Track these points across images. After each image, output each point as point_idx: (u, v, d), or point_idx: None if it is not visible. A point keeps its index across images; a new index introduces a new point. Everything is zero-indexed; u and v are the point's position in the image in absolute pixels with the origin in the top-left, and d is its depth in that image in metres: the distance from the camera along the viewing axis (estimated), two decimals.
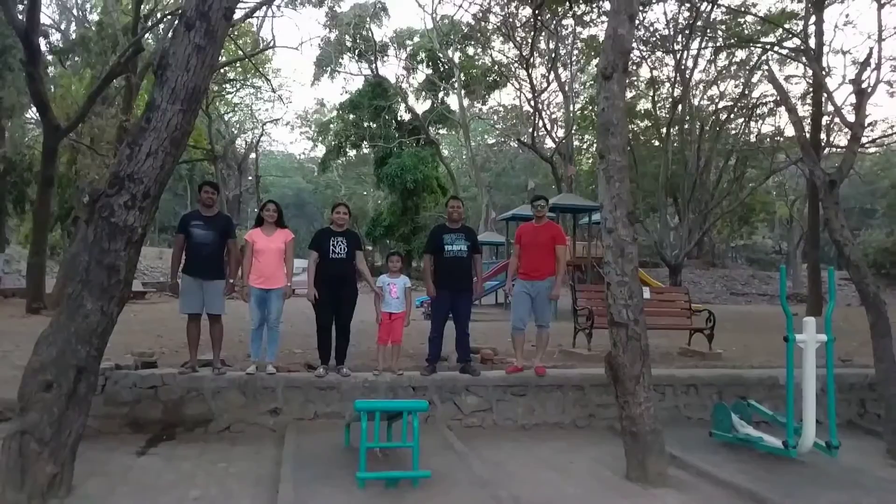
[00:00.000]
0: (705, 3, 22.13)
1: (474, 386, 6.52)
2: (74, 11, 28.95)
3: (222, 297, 6.29)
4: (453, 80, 36.23)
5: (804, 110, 23.56)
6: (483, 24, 28.40)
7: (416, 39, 38.79)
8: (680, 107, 24.90)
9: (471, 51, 36.21)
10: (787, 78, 25.76)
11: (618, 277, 4.99)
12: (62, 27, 28.42)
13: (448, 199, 7.15)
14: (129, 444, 5.51)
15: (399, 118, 39.14)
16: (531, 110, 30.80)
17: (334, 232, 6.52)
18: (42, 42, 19.02)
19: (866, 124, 20.26)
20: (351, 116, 38.65)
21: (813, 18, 20.58)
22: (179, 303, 6.26)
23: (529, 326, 6.82)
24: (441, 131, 43.19)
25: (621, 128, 5.13)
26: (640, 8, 21.18)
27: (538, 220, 6.83)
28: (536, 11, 18.46)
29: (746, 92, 26.73)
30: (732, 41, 24.10)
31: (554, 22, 25.10)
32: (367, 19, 36.28)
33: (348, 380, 6.26)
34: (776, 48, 23.23)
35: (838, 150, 22.54)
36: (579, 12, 21.96)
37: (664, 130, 25.66)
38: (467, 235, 6.72)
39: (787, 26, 22.07)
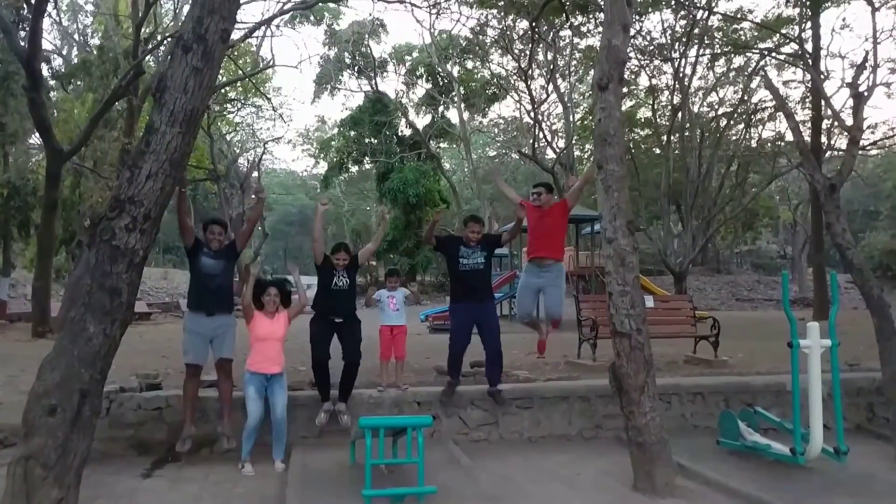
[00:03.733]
0: (701, 11, 22.23)
1: (480, 400, 6.50)
2: (76, 37, 29.22)
3: (233, 338, 5.74)
4: (453, 93, 36.45)
5: (803, 114, 23.60)
6: (481, 37, 28.56)
7: (415, 55, 39.05)
8: (680, 114, 24.95)
9: (469, 64, 36.41)
10: (785, 83, 25.85)
11: (619, 287, 4.99)
12: (64, 52, 28.67)
13: (466, 220, 6.56)
14: (134, 466, 5.51)
15: (400, 133, 39.33)
16: (531, 122, 30.86)
17: (337, 269, 6.22)
18: (44, 67, 19.17)
19: (866, 127, 20.30)
20: (352, 133, 38.85)
21: (809, 23, 20.67)
22: (183, 347, 5.60)
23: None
24: (442, 145, 43.36)
25: (618, 138, 5.14)
26: (637, 17, 21.31)
27: (541, 206, 6.42)
28: (534, 24, 18.56)
29: (745, 98, 26.74)
30: (729, 48, 24.18)
31: (551, 33, 25.23)
32: (366, 36, 36.55)
33: (352, 396, 6.22)
34: (773, 54, 23.29)
35: (839, 153, 22.52)
36: (576, 23, 22.06)
37: (665, 138, 25.70)
38: (484, 246, 6.34)
39: (783, 31, 22.15)
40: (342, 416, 6.03)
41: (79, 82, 22.78)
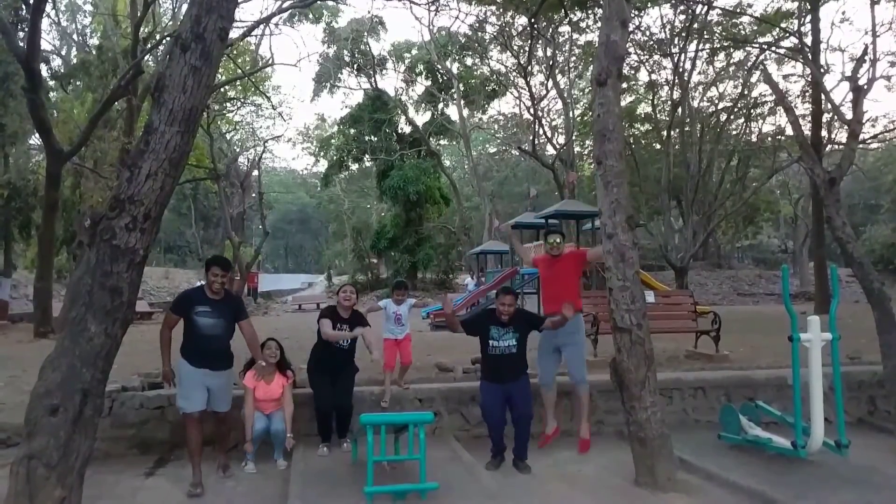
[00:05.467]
0: (700, 6, 22.20)
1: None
2: (74, 37, 29.24)
3: (231, 390, 5.31)
4: (452, 90, 36.38)
5: (803, 108, 23.58)
6: (480, 34, 28.54)
7: (414, 52, 38.98)
8: (679, 109, 24.96)
9: (469, 61, 36.39)
10: (785, 77, 25.83)
11: (619, 282, 4.99)
12: (63, 52, 28.70)
13: (498, 292, 5.65)
14: (136, 465, 5.52)
15: (400, 131, 39.25)
16: (531, 118, 30.93)
17: (342, 318, 5.94)
18: (43, 68, 19.22)
19: (866, 120, 20.26)
20: (352, 131, 38.77)
21: (808, 17, 20.63)
22: (178, 395, 5.09)
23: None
24: (442, 142, 43.28)
25: (617, 133, 5.14)
26: (636, 13, 21.27)
27: (555, 256, 6.12)
28: (533, 20, 18.53)
29: (745, 92, 26.76)
30: (729, 43, 24.16)
31: (550, 30, 25.21)
32: (365, 34, 36.48)
33: (353, 394, 6.22)
34: (773, 48, 23.27)
35: (839, 147, 22.48)
36: (575, 19, 22.05)
37: (665, 133, 25.70)
38: (517, 326, 5.50)
39: (783, 25, 22.12)
40: (344, 444, 5.95)
41: (78, 82, 22.82)
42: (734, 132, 29.11)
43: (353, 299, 5.99)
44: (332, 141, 41.63)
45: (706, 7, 22.25)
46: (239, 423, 5.54)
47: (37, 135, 18.09)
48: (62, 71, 23.76)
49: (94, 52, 22.76)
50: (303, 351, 7.11)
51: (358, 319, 5.99)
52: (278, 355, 5.69)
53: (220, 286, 5.10)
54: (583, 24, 23.59)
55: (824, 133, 21.05)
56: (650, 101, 28.59)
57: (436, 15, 36.48)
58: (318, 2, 25.46)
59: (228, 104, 32.44)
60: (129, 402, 5.99)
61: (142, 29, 18.63)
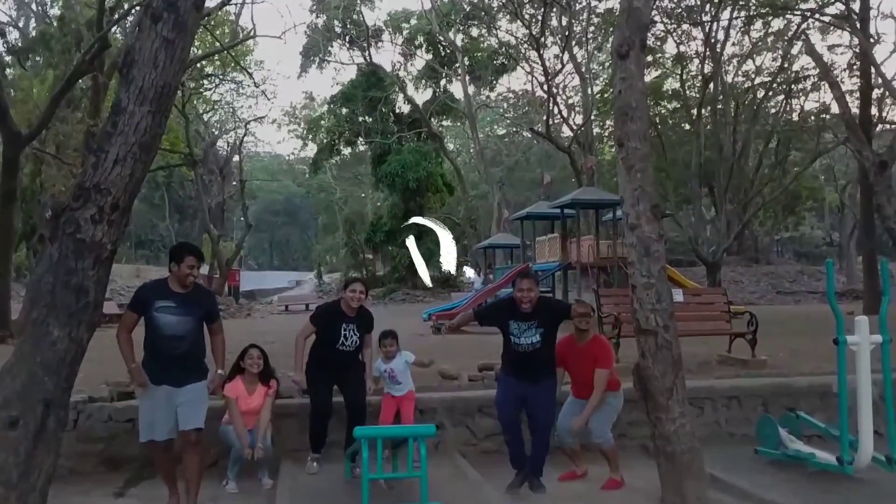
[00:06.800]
0: None
1: (489, 406, 6.50)
2: (33, 6, 29.28)
3: (204, 404, 4.82)
4: (456, 65, 36.37)
5: (851, 83, 23.49)
6: (487, 1, 28.49)
7: (413, 22, 38.99)
8: (711, 85, 24.90)
9: (475, 32, 36.35)
10: (830, 48, 25.73)
11: (643, 279, 4.98)
12: (20, 24, 28.74)
13: (517, 279, 5.52)
14: (105, 484, 5.55)
15: (397, 110, 39.30)
16: (545, 96, 30.88)
17: (347, 316, 5.76)
18: None
19: None
20: (344, 110, 38.82)
21: None
22: (141, 421, 4.74)
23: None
24: (445, 123, 43.33)
25: (641, 111, 5.13)
26: None
27: (580, 334, 5.62)
28: None
29: (785, 65, 26.67)
30: (767, 9, 24.05)
31: None
32: (358, 1, 36.49)
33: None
34: (816, 15, 23.15)
35: (891, 126, 22.43)
36: None
37: (695, 112, 25.64)
38: (542, 318, 5.29)
39: None
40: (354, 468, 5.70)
41: (38, 58, 22.86)
42: (773, 110, 29.04)
43: (362, 298, 5.87)
44: (322, 122, 41.71)
45: None
46: (217, 439, 5.53)
47: None
48: (19, 45, 23.81)
49: (55, 24, 22.79)
50: (290, 359, 7.12)
51: (365, 321, 5.89)
52: (262, 364, 5.66)
53: (192, 282, 4.77)
54: None
55: (874, 111, 20.97)
56: (678, 76, 28.51)
57: None
58: None
59: (206, 81, 32.51)
60: (97, 414, 6.01)
61: None
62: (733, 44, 27.27)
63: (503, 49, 34.22)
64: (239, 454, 5.39)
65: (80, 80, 17.67)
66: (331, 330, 5.77)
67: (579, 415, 5.41)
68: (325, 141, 40.32)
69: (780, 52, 26.78)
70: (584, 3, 28.11)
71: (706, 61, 25.21)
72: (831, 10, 22.46)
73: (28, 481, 3.74)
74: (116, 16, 18.98)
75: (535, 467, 5.33)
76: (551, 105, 29.38)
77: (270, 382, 5.72)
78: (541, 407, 5.28)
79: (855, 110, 17.79)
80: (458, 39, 36.78)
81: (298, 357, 5.81)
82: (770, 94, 27.62)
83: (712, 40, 24.44)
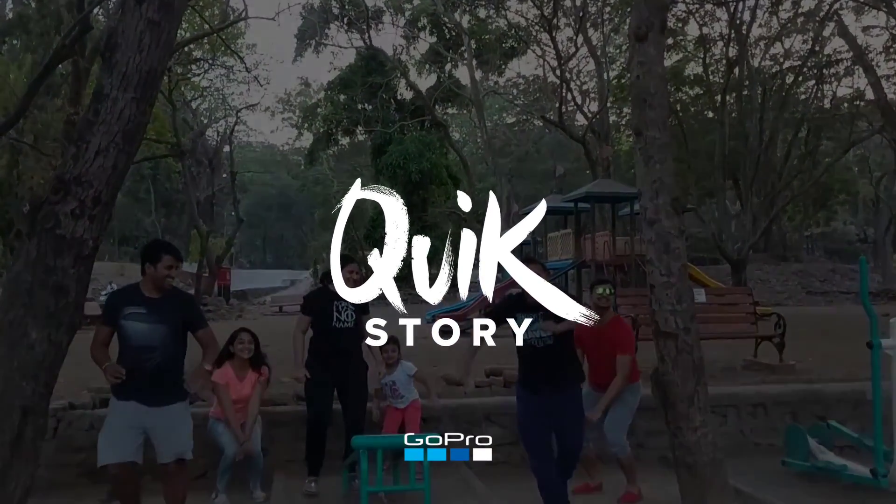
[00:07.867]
0: None
1: (497, 415, 6.52)
2: None
3: (186, 427, 4.49)
4: (462, 48, 36.34)
5: (887, 68, 23.43)
6: None
7: (416, 2, 38.95)
8: (737, 69, 24.82)
9: (482, 13, 36.30)
10: (864, 29, 25.64)
11: (663, 278, 4.96)
12: None
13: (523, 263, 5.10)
14: (87, 496, 5.56)
15: (399, 97, 39.36)
16: (557, 81, 30.86)
17: (338, 295, 5.45)
18: None
19: None
20: (342, 97, 38.89)
21: None
22: (99, 443, 4.41)
23: None
24: (450, 111, 43.33)
25: (660, 98, 5.11)
26: None
27: (599, 313, 5.40)
28: None
29: (816, 48, 26.57)
30: None
31: None
32: None
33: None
34: None
35: None
36: None
37: (719, 98, 25.56)
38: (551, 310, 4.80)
39: None
40: (354, 481, 5.67)
41: (14, 41, 22.91)
42: (803, 97, 28.96)
43: (358, 280, 5.63)
44: (319, 110, 41.74)
45: None
46: (205, 448, 5.52)
47: None
48: None
49: (33, 5, 22.85)
50: (284, 364, 7.14)
51: (362, 304, 5.72)
52: (252, 349, 5.67)
53: (171, 283, 4.52)
54: None
55: None
56: (701, 60, 28.43)
57: None
58: None
59: (194, 66, 32.52)
60: (78, 421, 6.03)
61: None
62: (760, 25, 27.20)
63: (513, 31, 34.20)
64: (230, 460, 5.39)
65: (59, 66, 17.70)
66: (323, 312, 5.75)
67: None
68: (321, 130, 40.39)
69: (811, 33, 26.68)
70: None
71: (731, 44, 25.14)
72: None
73: (4, 493, 3.76)
74: None
75: (563, 476, 5.05)
76: (564, 91, 29.38)
77: (262, 369, 5.75)
78: (569, 426, 4.89)
79: (891, 96, 17.72)
80: (465, 21, 36.73)
81: (297, 352, 5.80)
82: (800, 79, 27.54)
83: (738, 21, 24.36)
